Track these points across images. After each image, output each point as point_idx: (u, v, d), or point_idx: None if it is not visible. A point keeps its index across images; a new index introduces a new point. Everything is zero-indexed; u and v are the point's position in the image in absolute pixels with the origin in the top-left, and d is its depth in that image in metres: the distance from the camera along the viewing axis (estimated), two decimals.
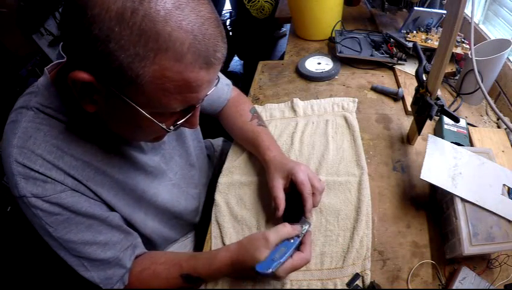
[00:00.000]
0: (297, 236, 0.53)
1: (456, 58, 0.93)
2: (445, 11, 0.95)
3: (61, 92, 0.47)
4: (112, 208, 0.54)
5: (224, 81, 0.79)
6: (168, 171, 0.66)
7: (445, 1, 1.02)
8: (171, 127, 0.43)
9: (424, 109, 0.61)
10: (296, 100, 0.89)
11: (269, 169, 0.66)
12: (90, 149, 0.49)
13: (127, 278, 0.56)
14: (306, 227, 0.55)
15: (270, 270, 0.47)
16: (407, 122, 0.81)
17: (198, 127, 0.74)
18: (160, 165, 0.63)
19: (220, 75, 0.78)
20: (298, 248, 0.53)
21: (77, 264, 0.51)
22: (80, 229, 0.49)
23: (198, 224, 0.83)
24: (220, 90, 0.77)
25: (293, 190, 0.62)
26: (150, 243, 0.68)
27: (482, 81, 0.70)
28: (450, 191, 0.55)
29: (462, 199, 0.55)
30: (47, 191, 0.45)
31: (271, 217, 0.66)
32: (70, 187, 0.47)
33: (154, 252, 0.62)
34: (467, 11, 0.94)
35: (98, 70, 0.37)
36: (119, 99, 0.39)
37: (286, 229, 0.53)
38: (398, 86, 0.92)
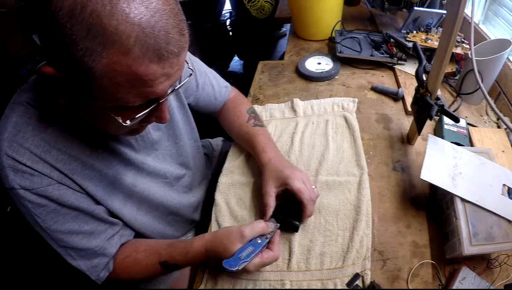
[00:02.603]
0: (266, 237, 0.57)
1: (456, 58, 0.93)
2: (445, 11, 0.95)
3: (44, 90, 0.49)
4: (98, 202, 0.55)
5: (223, 84, 0.80)
6: (163, 171, 0.66)
7: (445, 1, 1.02)
8: (128, 122, 0.42)
9: (424, 109, 0.61)
10: (296, 100, 0.89)
11: (264, 174, 0.66)
12: (78, 144, 0.51)
13: (112, 265, 0.59)
14: (273, 227, 0.59)
15: (236, 268, 0.51)
16: (407, 122, 0.81)
17: (195, 127, 0.75)
18: (154, 165, 0.64)
19: (218, 77, 0.79)
20: (268, 246, 0.57)
21: (65, 254, 0.54)
22: (66, 219, 0.51)
23: (198, 223, 0.83)
24: (217, 92, 0.78)
25: (286, 195, 0.63)
26: None
27: (482, 81, 0.70)
28: (450, 191, 0.55)
29: (462, 199, 0.55)
30: (34, 184, 0.47)
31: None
32: (56, 180, 0.49)
33: (137, 239, 0.65)
34: (467, 11, 0.94)
35: (60, 65, 0.38)
36: (82, 93, 0.40)
37: (261, 225, 0.57)
38: (398, 86, 0.92)
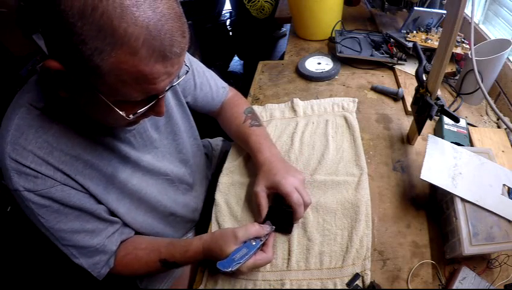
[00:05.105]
0: (260, 239, 0.57)
1: (456, 58, 0.93)
2: (445, 11, 0.95)
3: (46, 85, 0.50)
4: (99, 201, 0.56)
5: (220, 84, 0.81)
6: (163, 169, 0.67)
7: (445, 1, 1.02)
8: (131, 116, 0.44)
9: (424, 109, 0.61)
10: (296, 100, 0.89)
11: (258, 174, 0.67)
12: (79, 143, 0.51)
13: (113, 261, 0.60)
14: (268, 230, 0.59)
15: (229, 269, 0.52)
16: (407, 122, 0.81)
17: (194, 125, 0.76)
18: (154, 163, 0.64)
19: (216, 78, 0.80)
20: (262, 248, 0.58)
21: (68, 253, 0.55)
22: (69, 219, 0.53)
23: (198, 223, 0.83)
24: (215, 92, 0.78)
25: (279, 197, 0.64)
26: None
27: (482, 81, 0.70)
28: (450, 191, 0.55)
29: (462, 199, 0.55)
30: (38, 186, 0.48)
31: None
32: (60, 182, 0.49)
33: (137, 236, 0.66)
34: (467, 11, 0.94)
35: (66, 60, 0.39)
36: (85, 87, 0.41)
37: (255, 229, 0.57)
38: (398, 86, 0.92)
